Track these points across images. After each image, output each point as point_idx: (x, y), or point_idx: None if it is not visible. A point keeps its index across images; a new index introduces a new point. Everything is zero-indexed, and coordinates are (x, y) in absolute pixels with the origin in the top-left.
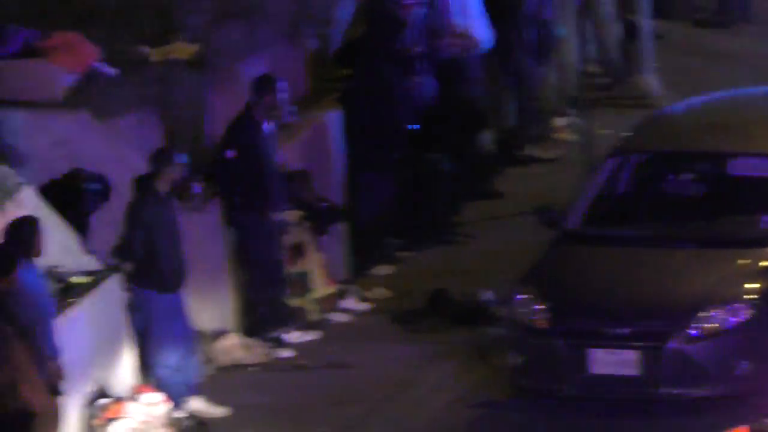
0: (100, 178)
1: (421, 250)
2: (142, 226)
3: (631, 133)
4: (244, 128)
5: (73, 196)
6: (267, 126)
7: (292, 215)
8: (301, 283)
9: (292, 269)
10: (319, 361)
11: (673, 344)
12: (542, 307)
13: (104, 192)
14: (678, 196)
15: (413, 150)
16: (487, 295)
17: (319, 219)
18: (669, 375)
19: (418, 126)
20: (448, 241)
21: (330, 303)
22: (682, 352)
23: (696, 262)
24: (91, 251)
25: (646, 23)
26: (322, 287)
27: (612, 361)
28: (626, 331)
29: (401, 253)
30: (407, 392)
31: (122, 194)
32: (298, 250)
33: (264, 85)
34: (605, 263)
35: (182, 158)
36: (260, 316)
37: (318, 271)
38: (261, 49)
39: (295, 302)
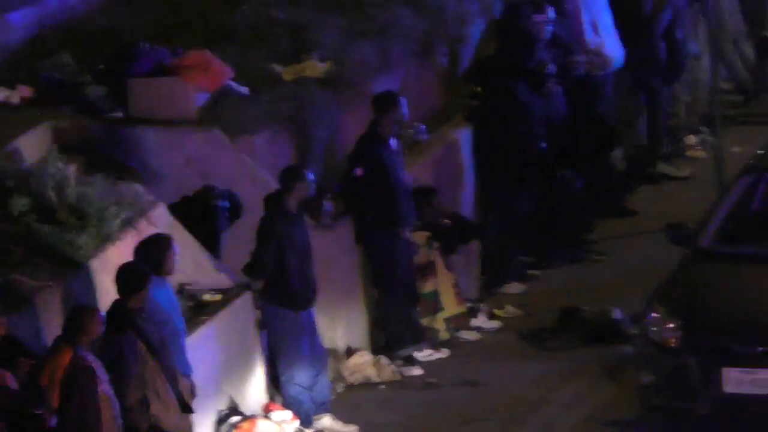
0: (231, 196)
1: (552, 268)
2: (273, 243)
3: (765, 151)
4: (370, 145)
5: (205, 214)
6: (393, 143)
7: (420, 235)
8: (432, 303)
9: (423, 288)
10: (450, 379)
11: None
12: (674, 325)
13: (235, 210)
14: None
15: (546, 168)
16: (619, 313)
17: (448, 238)
18: None
19: (545, 145)
20: (580, 259)
21: (460, 322)
22: None
23: None
24: (222, 269)
25: None
26: (452, 306)
27: (746, 380)
28: (760, 349)
29: (532, 271)
30: (539, 411)
31: (254, 212)
32: (428, 269)
33: (385, 101)
34: (738, 281)
35: (312, 176)
36: (391, 334)
37: (448, 290)
38: (393, 67)
39: (425, 321)
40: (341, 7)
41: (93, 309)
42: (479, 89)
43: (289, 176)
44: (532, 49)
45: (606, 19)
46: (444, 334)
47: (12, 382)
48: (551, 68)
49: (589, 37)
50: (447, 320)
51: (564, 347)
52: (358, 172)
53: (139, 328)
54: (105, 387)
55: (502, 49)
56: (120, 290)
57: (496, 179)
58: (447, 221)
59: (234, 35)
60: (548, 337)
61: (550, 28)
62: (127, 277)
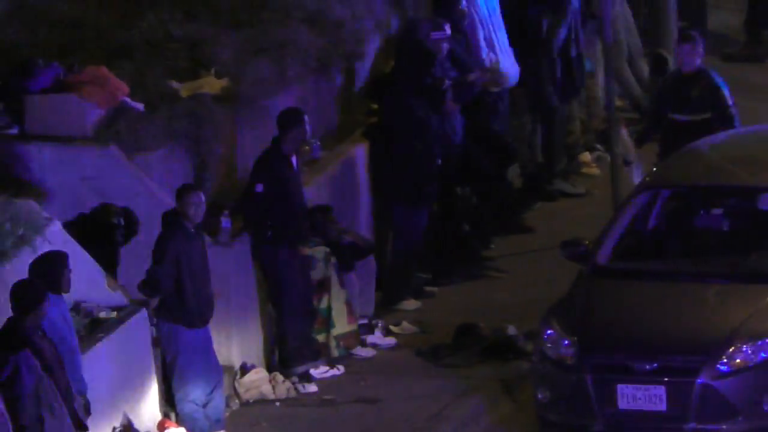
0: (127, 213)
1: (449, 285)
2: (169, 261)
3: (660, 168)
4: (272, 162)
5: (101, 232)
6: (295, 160)
7: (317, 251)
8: (325, 319)
9: (318, 305)
10: (346, 396)
11: (702, 379)
12: (570, 341)
13: (131, 226)
14: (708, 230)
15: (442, 184)
16: (513, 329)
17: (345, 254)
18: (698, 410)
19: (440, 161)
20: (477, 276)
21: (350, 340)
22: (711, 388)
23: (726, 297)
24: (118, 286)
25: (673, 57)
26: (343, 324)
27: (640, 397)
28: (655, 366)
29: (429, 287)
30: (436, 427)
31: (150, 229)
32: (323, 286)
33: (290, 118)
34: (634, 298)
35: (202, 196)
36: (288, 351)
37: (340, 307)
38: (290, 84)
39: (320, 338)
40: (239, 23)
41: None
42: (376, 106)
43: (185, 194)
44: (429, 66)
45: (502, 36)
46: (334, 351)
47: None
48: (448, 85)
49: (485, 53)
50: (337, 338)
51: (461, 364)
52: (259, 188)
53: (35, 345)
54: None
55: (399, 66)
56: (15, 308)
57: (393, 196)
58: (347, 237)
59: (131, 52)
60: (445, 354)
61: (446, 45)
62: (22, 295)
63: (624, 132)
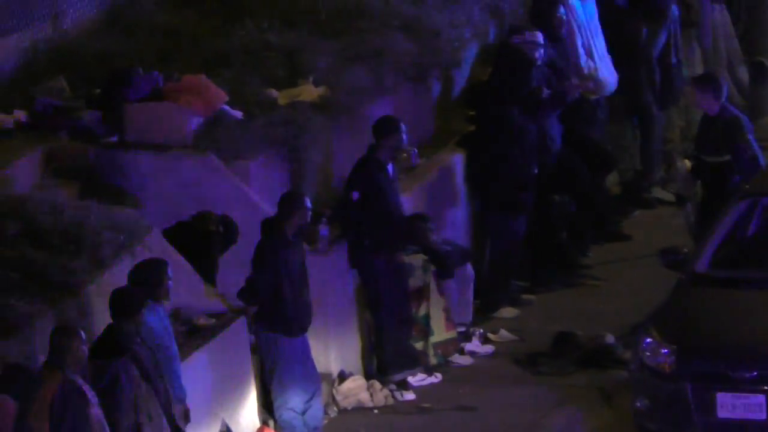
0: (226, 221)
1: (546, 292)
2: (269, 269)
3: (761, 175)
4: (368, 170)
5: (201, 239)
6: (391, 168)
7: (415, 259)
8: (424, 327)
9: (416, 312)
10: (444, 404)
11: None
12: (669, 350)
13: (231, 235)
14: None
15: (539, 192)
16: (611, 338)
17: (443, 262)
18: None
19: (536, 170)
20: (575, 284)
21: (449, 348)
22: None
23: None
24: (217, 294)
25: None
26: (441, 331)
27: (740, 405)
28: (755, 374)
29: (527, 295)
30: None
31: (249, 237)
32: (421, 294)
33: (386, 126)
34: (732, 306)
35: (309, 201)
36: (386, 359)
37: (438, 315)
38: (387, 92)
39: (418, 345)
40: (336, 31)
41: (72, 328)
42: (473, 114)
43: (289, 202)
44: (528, 72)
45: (599, 44)
46: (432, 359)
47: (12, 408)
48: (546, 94)
49: (583, 61)
50: (435, 345)
51: (558, 372)
52: (355, 196)
53: (134, 352)
54: (95, 410)
55: (498, 73)
56: (114, 315)
57: (490, 204)
58: (444, 246)
59: (229, 60)
60: (542, 362)
61: (541, 52)
62: (121, 302)
63: (682, 165)
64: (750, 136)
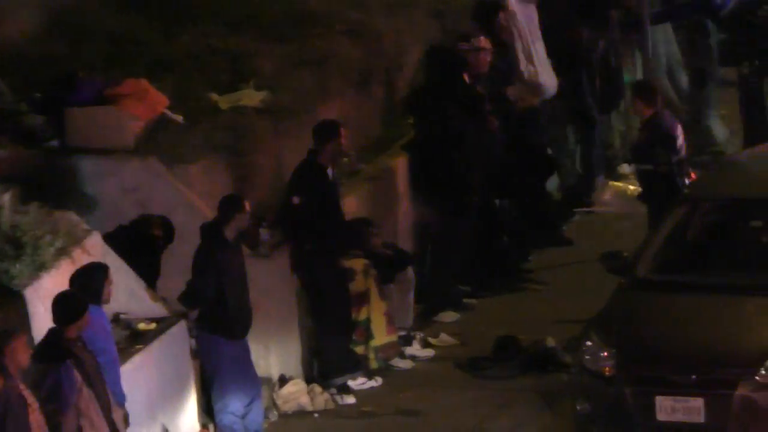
0: (164, 221)
1: (488, 297)
2: (210, 272)
3: (701, 180)
4: (308, 174)
5: (142, 242)
6: (331, 172)
7: (357, 263)
8: (365, 331)
9: (357, 316)
10: (385, 408)
11: (741, 392)
12: (609, 353)
13: (170, 235)
14: (747, 243)
15: (481, 196)
16: (552, 341)
17: (385, 266)
18: (736, 423)
19: (478, 173)
20: (516, 288)
21: (389, 351)
22: (750, 400)
23: (765, 309)
24: (158, 298)
25: (712, 71)
26: (382, 335)
27: (679, 409)
28: (693, 378)
29: (468, 300)
30: None
31: (190, 241)
32: (362, 298)
33: (327, 130)
34: (673, 310)
35: (249, 205)
36: (327, 363)
37: (380, 319)
38: (331, 96)
39: (359, 349)
40: (281, 36)
41: (13, 332)
42: (414, 118)
43: (229, 205)
44: (461, 74)
45: (540, 48)
46: (373, 363)
47: None
48: (485, 95)
49: (523, 66)
50: (376, 349)
51: (500, 376)
52: (295, 200)
53: (76, 357)
54: (37, 416)
55: (433, 77)
56: (57, 319)
57: (432, 208)
58: (386, 250)
59: (173, 64)
60: (485, 366)
61: (487, 57)
62: (64, 306)
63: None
64: (674, 146)
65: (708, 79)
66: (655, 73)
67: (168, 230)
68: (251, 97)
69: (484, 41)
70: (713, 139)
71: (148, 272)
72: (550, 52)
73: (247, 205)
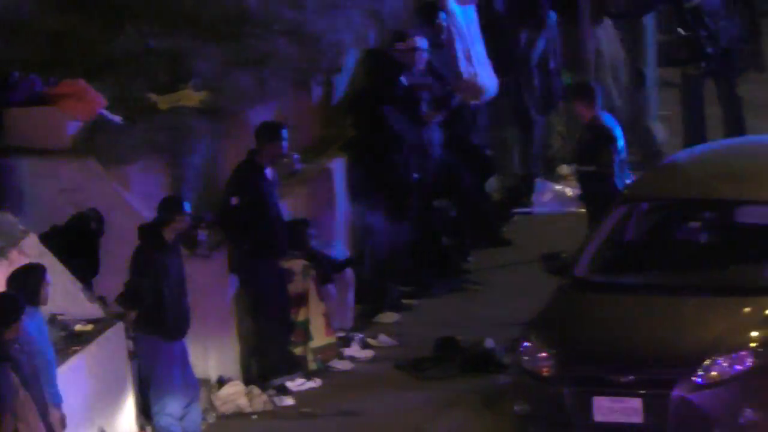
0: (97, 213)
1: (428, 297)
2: (147, 273)
3: (639, 181)
4: (247, 175)
5: (79, 241)
6: (271, 173)
7: (296, 264)
8: (303, 332)
9: (296, 318)
10: (324, 409)
11: (678, 392)
12: (547, 354)
13: (102, 228)
14: (685, 243)
15: (421, 197)
16: (491, 342)
17: (324, 267)
18: (674, 423)
19: (416, 175)
20: (456, 289)
21: (328, 353)
22: (687, 400)
23: (702, 310)
24: (95, 299)
25: (652, 71)
26: (321, 337)
27: (617, 409)
28: (631, 378)
29: (408, 300)
30: None
31: (128, 242)
32: (301, 299)
33: (268, 132)
34: (611, 311)
35: (188, 206)
36: (266, 364)
37: (318, 320)
38: (269, 97)
39: (297, 350)
40: (219, 36)
41: None
42: (353, 119)
43: (167, 207)
44: (398, 76)
45: (479, 49)
46: (312, 364)
47: None
48: (425, 97)
49: (463, 67)
50: (315, 350)
51: (440, 377)
52: (234, 201)
53: (13, 359)
54: None
55: (371, 78)
56: None
57: (371, 209)
58: (325, 251)
59: (112, 65)
60: (424, 367)
61: (424, 56)
62: (0, 308)
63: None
64: (616, 148)
65: (645, 80)
66: (598, 73)
67: (101, 222)
68: (190, 97)
69: (419, 41)
70: (652, 140)
71: (86, 272)
72: (490, 53)
73: (187, 207)
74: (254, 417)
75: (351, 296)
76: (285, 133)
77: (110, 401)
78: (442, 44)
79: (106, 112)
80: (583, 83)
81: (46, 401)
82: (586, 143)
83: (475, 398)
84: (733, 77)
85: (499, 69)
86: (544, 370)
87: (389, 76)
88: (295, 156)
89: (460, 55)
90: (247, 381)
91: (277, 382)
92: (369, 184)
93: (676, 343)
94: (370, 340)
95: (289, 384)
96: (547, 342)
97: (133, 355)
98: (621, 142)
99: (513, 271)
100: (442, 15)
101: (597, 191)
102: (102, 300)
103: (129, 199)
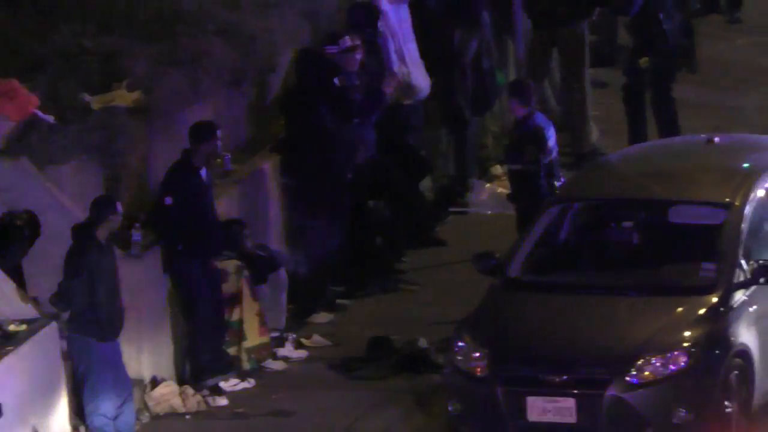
0: (29, 215)
1: (361, 297)
2: (81, 274)
3: (572, 181)
4: (181, 175)
5: (11, 239)
6: (205, 173)
7: (229, 264)
8: (237, 332)
9: (229, 318)
10: (257, 409)
11: (611, 392)
12: (480, 354)
13: (35, 228)
14: (618, 243)
15: (354, 197)
16: (424, 342)
17: (257, 267)
18: (607, 423)
19: (350, 175)
20: (390, 289)
21: (262, 353)
22: (620, 400)
23: (635, 309)
24: (28, 299)
25: (585, 71)
26: (255, 336)
27: (550, 409)
28: (564, 378)
29: (341, 300)
30: None
31: (62, 242)
32: (235, 299)
33: (202, 132)
34: (544, 311)
35: (121, 206)
36: (199, 364)
37: (252, 320)
38: (203, 97)
39: (231, 351)
40: (153, 36)
41: None
42: (287, 119)
43: (100, 207)
44: (332, 76)
45: (412, 49)
46: (245, 364)
47: None
48: (357, 97)
49: (396, 66)
50: (249, 350)
51: (373, 376)
52: (168, 201)
53: None
54: None
55: (304, 78)
56: None
57: (304, 209)
58: (259, 251)
59: (44, 64)
60: (357, 367)
61: (357, 56)
62: None
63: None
64: (545, 147)
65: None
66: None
67: (34, 224)
68: (123, 97)
69: (351, 40)
70: (585, 139)
71: (18, 271)
72: (423, 53)
73: (119, 207)
74: (188, 417)
75: (284, 296)
76: (219, 133)
77: (44, 401)
78: (375, 43)
79: (38, 112)
80: (520, 81)
81: None
82: (514, 141)
83: (407, 398)
84: (672, 77)
85: (432, 69)
86: (478, 369)
87: (323, 76)
88: (227, 156)
89: (393, 55)
90: (181, 381)
91: (210, 382)
92: (302, 184)
93: (609, 342)
94: (303, 340)
95: (223, 384)
96: (480, 342)
97: (66, 355)
98: (552, 142)
99: (447, 271)
100: (376, 15)
101: (525, 190)
102: (35, 300)
103: (62, 198)
